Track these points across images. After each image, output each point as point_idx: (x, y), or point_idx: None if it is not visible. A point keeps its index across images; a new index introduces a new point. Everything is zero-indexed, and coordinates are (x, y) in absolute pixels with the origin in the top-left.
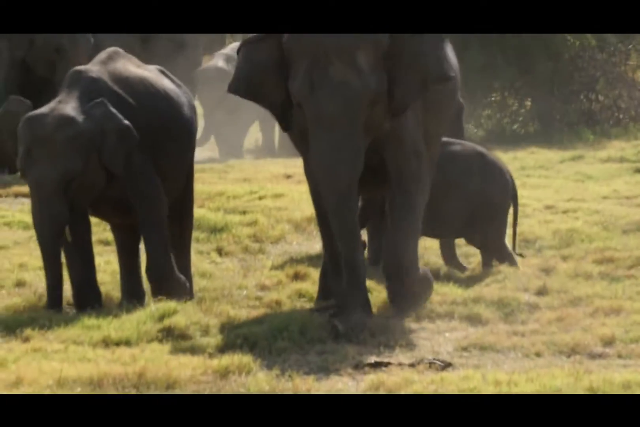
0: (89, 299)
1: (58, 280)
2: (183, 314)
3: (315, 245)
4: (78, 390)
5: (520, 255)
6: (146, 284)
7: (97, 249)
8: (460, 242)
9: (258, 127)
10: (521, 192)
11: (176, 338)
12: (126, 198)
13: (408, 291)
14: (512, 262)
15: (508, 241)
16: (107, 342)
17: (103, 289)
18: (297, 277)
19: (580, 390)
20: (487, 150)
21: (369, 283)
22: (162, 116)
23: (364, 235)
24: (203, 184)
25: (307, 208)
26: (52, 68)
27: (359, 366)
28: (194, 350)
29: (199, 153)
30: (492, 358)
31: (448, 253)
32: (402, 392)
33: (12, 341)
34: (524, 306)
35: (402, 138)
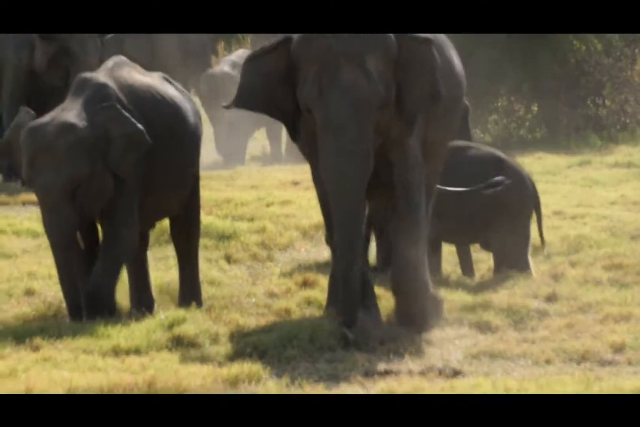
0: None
1: (75, 288)
2: (192, 322)
3: (323, 252)
4: None
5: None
6: (155, 293)
7: None
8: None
9: (265, 134)
10: None
11: (186, 347)
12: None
13: (416, 310)
14: (528, 272)
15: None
16: (116, 351)
17: None
18: (305, 284)
19: None
20: (507, 156)
21: (378, 290)
22: (166, 123)
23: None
24: (211, 191)
25: (315, 215)
26: (62, 75)
27: (368, 374)
28: (203, 359)
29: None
30: (502, 365)
31: (465, 260)
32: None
33: (22, 350)
34: (533, 312)
35: (407, 146)
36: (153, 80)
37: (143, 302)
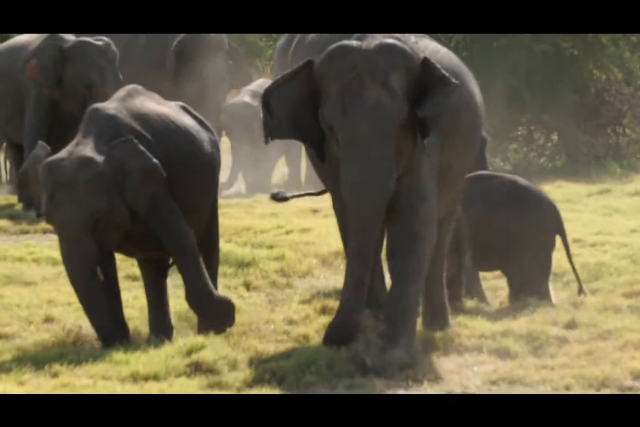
0: (117, 335)
1: (103, 318)
2: (211, 348)
3: (342, 279)
4: None
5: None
6: (174, 320)
7: (125, 284)
8: (487, 275)
9: (284, 161)
10: None
11: (204, 373)
12: (149, 234)
13: (401, 338)
14: (548, 300)
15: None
16: (135, 377)
17: (131, 324)
18: (324, 311)
19: None
20: (529, 183)
21: None
22: (182, 152)
23: None
24: (230, 218)
25: (334, 242)
26: (81, 105)
27: None
28: (222, 385)
29: (226, 188)
30: (521, 392)
31: (475, 286)
32: None
33: (41, 376)
34: (553, 339)
35: (419, 177)
36: (168, 109)
37: (162, 329)
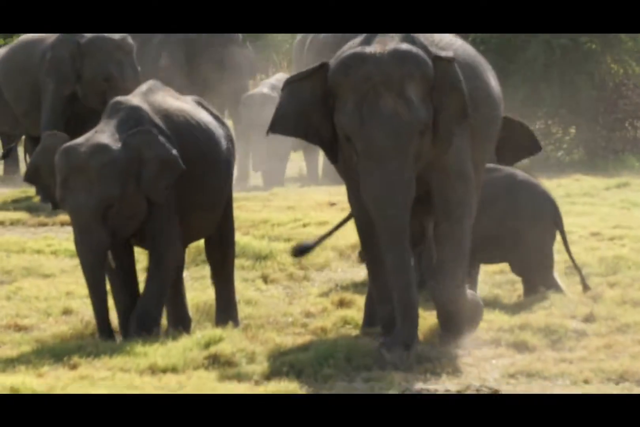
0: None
1: (105, 307)
2: (229, 341)
3: (360, 272)
4: None
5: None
6: (192, 312)
7: (143, 276)
8: (505, 268)
9: (301, 155)
10: (566, 220)
11: (222, 365)
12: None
13: (458, 320)
14: (560, 291)
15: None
16: (153, 370)
17: None
18: (342, 304)
19: None
20: (528, 176)
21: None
22: (200, 147)
23: None
24: (247, 211)
25: (351, 235)
26: (102, 99)
27: (405, 393)
28: (240, 377)
29: (243, 180)
30: (539, 385)
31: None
32: None
33: (60, 368)
34: (571, 333)
35: (446, 164)
36: (186, 104)
37: (180, 321)
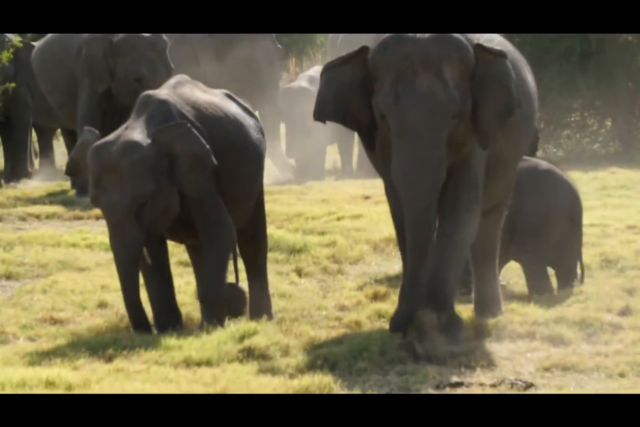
0: (170, 321)
1: (138, 303)
2: (263, 334)
3: (394, 266)
4: None
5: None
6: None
7: (177, 270)
8: None
9: (336, 148)
10: (602, 212)
11: (256, 358)
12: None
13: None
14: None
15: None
16: (188, 363)
17: (183, 310)
18: (376, 297)
19: None
20: (553, 168)
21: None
22: (230, 139)
23: None
24: (281, 205)
25: (385, 229)
26: (135, 97)
27: (439, 386)
28: (274, 370)
29: (278, 174)
30: (574, 379)
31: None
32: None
33: (95, 361)
34: (606, 326)
35: (470, 165)
36: (215, 97)
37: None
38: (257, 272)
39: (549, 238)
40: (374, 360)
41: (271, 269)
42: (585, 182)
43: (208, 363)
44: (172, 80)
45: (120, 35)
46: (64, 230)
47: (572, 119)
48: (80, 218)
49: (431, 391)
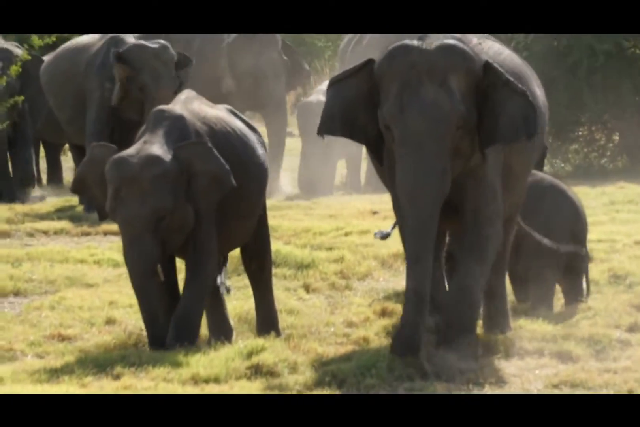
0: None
1: (155, 315)
2: (271, 351)
3: (402, 281)
4: None
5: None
6: (234, 322)
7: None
8: None
9: (344, 163)
10: (610, 228)
11: (264, 375)
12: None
13: (461, 341)
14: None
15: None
16: (196, 380)
17: None
18: (384, 313)
19: None
20: (558, 183)
21: None
22: (238, 155)
23: None
24: (289, 220)
25: (393, 244)
26: (138, 108)
27: None
28: (282, 387)
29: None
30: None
31: None
32: None
33: (103, 378)
34: (615, 342)
35: (483, 178)
36: (221, 112)
37: (222, 331)
38: (263, 288)
39: (552, 255)
40: (382, 377)
41: (279, 285)
42: (593, 197)
43: (216, 380)
44: (182, 96)
45: (126, 45)
46: (72, 246)
47: (580, 133)
48: (88, 234)
49: None
